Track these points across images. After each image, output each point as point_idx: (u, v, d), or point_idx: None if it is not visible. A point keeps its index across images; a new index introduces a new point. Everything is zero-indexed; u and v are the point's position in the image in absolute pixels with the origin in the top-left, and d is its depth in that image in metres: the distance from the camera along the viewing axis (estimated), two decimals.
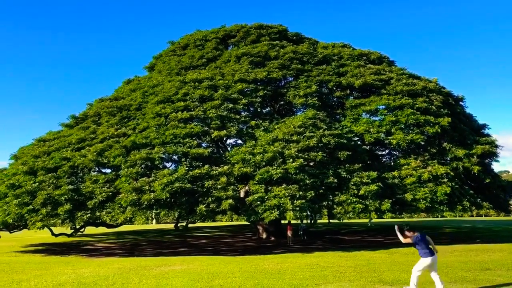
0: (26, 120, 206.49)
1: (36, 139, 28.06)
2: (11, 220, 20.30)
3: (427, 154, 23.65)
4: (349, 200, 19.58)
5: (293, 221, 25.84)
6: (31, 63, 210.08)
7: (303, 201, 18.69)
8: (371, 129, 23.29)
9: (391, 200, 20.26)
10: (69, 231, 27.44)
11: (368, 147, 24.85)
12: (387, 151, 27.07)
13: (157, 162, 20.77)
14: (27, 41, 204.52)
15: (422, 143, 24.03)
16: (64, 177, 21.31)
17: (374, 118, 25.17)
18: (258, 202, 18.88)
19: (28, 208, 20.00)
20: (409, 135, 23.07)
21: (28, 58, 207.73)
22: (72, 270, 14.87)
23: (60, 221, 20.33)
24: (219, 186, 19.22)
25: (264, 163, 19.98)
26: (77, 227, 25.27)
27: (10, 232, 26.29)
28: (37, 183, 21.03)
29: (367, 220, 52.96)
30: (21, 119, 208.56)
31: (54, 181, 20.96)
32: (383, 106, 25.08)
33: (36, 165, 22.55)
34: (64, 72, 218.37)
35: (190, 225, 34.49)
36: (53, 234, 27.36)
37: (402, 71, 28.97)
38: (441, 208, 21.51)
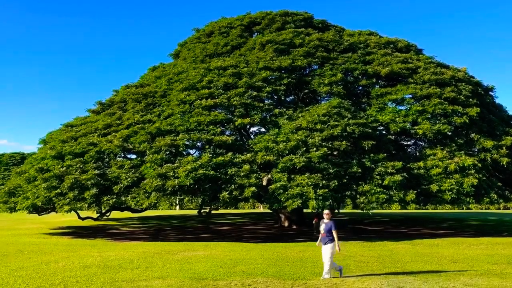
0: (54, 105, 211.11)
1: (63, 124, 28.61)
2: (40, 203, 20.80)
3: (454, 144, 23.16)
4: (373, 190, 19.39)
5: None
6: (58, 50, 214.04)
7: (326, 190, 18.61)
8: (397, 119, 22.93)
9: (416, 191, 19.99)
10: (95, 215, 28.00)
11: (394, 136, 24.51)
12: (413, 141, 26.63)
13: (182, 148, 20.96)
14: (51, 27, 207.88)
15: (449, 133, 23.54)
16: (91, 162, 21.69)
17: (400, 108, 24.76)
18: (281, 191, 18.88)
19: (56, 191, 20.46)
20: (436, 125, 22.63)
21: (55, 45, 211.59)
22: (98, 253, 15.22)
23: (86, 205, 20.73)
24: (242, 174, 19.28)
25: (287, 152, 19.93)
26: (103, 211, 25.76)
27: (39, 215, 26.96)
28: (64, 168, 21.48)
29: (390, 211, 52.45)
30: (49, 104, 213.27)
31: (81, 166, 21.37)
32: (410, 95, 24.64)
33: (63, 149, 23.03)
34: (91, 59, 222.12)
35: (213, 212, 34.81)
36: (79, 217, 27.96)
37: (430, 60, 28.36)
38: (467, 200, 21.11)
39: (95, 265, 12.18)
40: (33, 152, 28.01)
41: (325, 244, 10.04)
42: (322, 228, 10.08)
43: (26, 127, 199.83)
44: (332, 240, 9.97)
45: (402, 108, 24.67)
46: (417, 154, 24.55)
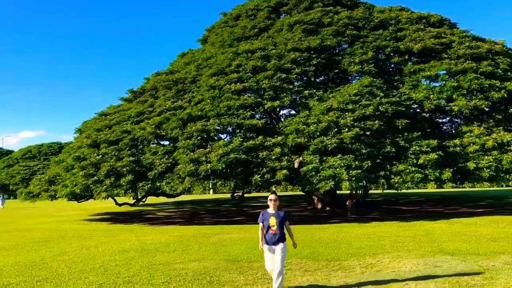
0: (87, 95, 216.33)
1: (98, 113, 29.31)
2: (78, 190, 21.42)
3: (491, 120, 22.40)
4: (408, 170, 18.98)
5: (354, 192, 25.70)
6: (89, 39, 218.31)
7: (359, 171, 18.36)
8: (431, 96, 22.31)
9: (452, 169, 19.47)
10: (132, 201, 28.66)
11: (428, 114, 23.89)
12: (448, 118, 25.90)
13: (213, 133, 21.10)
14: (78, 16, 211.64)
15: (487, 109, 22.76)
16: (125, 149, 22.14)
17: (434, 84, 24.10)
18: (313, 173, 18.76)
19: (93, 179, 21.03)
20: (472, 101, 21.90)
21: (86, 35, 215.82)
22: (136, 237, 15.62)
23: (123, 191, 21.20)
24: (273, 157, 19.25)
25: (318, 133, 19.74)
26: (139, 197, 26.33)
27: (78, 202, 27.82)
28: (100, 155, 22.02)
29: (426, 190, 51.52)
30: (83, 94, 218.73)
31: (116, 153, 21.85)
32: (444, 71, 23.91)
33: (98, 138, 23.59)
34: (120, 48, 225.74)
35: (245, 195, 35.04)
36: (116, 203, 28.67)
37: (464, 34, 27.36)
38: (507, 177, 20.41)
39: (133, 249, 12.51)
40: (70, 142, 28.89)
41: (274, 244, 7.01)
42: (274, 221, 7.04)
43: (62, 117, 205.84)
44: (284, 238, 7.11)
45: (436, 84, 24.00)
46: (453, 131, 23.89)
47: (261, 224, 7.22)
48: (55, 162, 27.98)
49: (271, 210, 7.15)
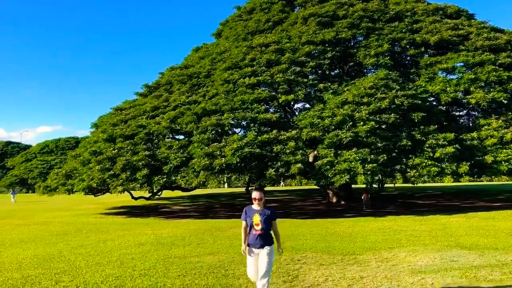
0: (103, 90, 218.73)
1: (113, 108, 29.55)
2: (95, 184, 21.66)
3: (510, 113, 22.03)
4: (424, 163, 18.79)
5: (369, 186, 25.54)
6: (105, 35, 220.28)
7: (375, 165, 18.22)
8: (448, 88, 21.99)
9: (469, 163, 19.23)
10: (147, 195, 28.90)
11: (445, 107, 23.59)
12: (465, 111, 25.55)
13: (227, 128, 21.13)
14: (93, 10, 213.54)
15: (505, 101, 22.39)
16: (141, 143, 22.30)
17: (451, 77, 23.76)
18: (328, 167, 18.67)
19: (109, 173, 21.22)
20: (490, 93, 21.55)
21: (101, 29, 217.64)
22: (152, 231, 15.76)
23: (138, 185, 21.39)
24: (287, 151, 19.20)
25: (333, 127, 19.64)
26: (155, 190, 26.53)
27: (95, 196, 28.14)
28: (116, 150, 22.21)
29: (442, 184, 50.97)
30: (98, 89, 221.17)
31: (132, 148, 22.01)
32: (461, 64, 23.55)
33: (114, 132, 23.78)
34: (136, 42, 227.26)
35: None
36: (133, 197, 28.95)
37: (482, 25, 26.87)
38: None
39: (149, 243, 12.63)
40: (86, 136, 29.27)
41: (260, 247, 5.88)
42: (258, 219, 5.90)
43: (78, 112, 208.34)
44: (271, 240, 5.97)
45: (453, 77, 23.67)
46: (470, 124, 23.58)
47: (244, 223, 6.10)
48: (72, 156, 28.34)
49: (256, 206, 6.04)
